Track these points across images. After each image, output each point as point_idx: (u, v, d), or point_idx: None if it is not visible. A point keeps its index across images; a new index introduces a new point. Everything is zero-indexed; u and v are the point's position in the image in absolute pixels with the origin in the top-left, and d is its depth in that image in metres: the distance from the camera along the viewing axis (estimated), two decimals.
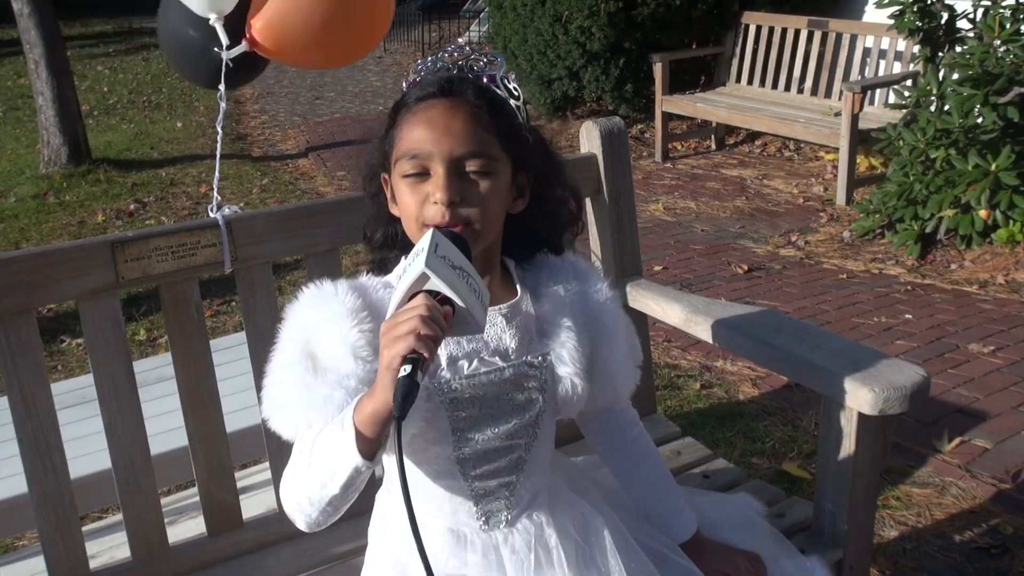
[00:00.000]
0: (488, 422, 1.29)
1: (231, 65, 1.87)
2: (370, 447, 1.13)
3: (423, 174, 1.24)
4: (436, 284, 1.08)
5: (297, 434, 1.24)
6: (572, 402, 1.33)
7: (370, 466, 1.14)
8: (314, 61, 2.05)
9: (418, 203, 1.24)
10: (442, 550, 1.33)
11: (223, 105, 1.85)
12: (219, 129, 1.84)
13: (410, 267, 1.10)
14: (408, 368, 1.04)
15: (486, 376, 1.28)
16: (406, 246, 1.28)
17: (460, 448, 1.29)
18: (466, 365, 1.27)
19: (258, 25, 1.87)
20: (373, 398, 1.11)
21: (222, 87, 1.86)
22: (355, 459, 1.12)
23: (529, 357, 1.30)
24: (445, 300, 1.09)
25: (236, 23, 1.90)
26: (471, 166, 1.24)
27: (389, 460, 1.35)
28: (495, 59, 1.33)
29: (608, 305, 1.39)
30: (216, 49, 1.87)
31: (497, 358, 1.29)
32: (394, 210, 1.33)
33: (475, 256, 1.23)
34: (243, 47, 1.89)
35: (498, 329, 1.30)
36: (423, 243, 1.11)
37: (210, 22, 1.86)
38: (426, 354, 1.05)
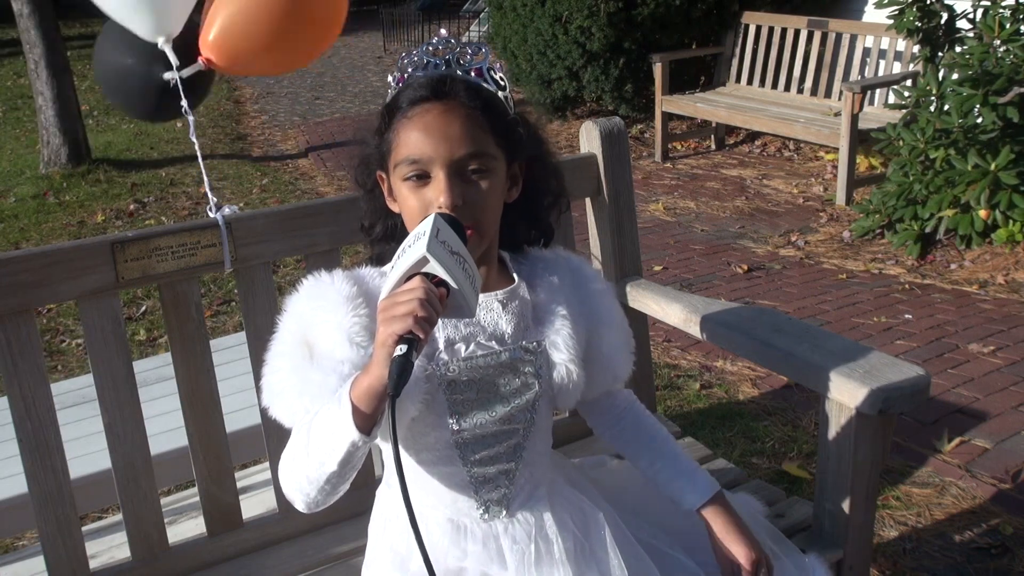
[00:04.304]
0: (485, 405, 1.31)
1: (179, 86, 1.90)
2: (366, 422, 1.15)
3: (423, 177, 1.26)
4: (435, 268, 1.10)
5: (295, 420, 1.26)
6: (568, 389, 1.35)
7: (366, 441, 1.16)
8: (267, 67, 2.06)
9: (421, 206, 1.26)
10: (442, 539, 1.34)
11: (192, 119, 1.89)
12: (194, 140, 1.88)
13: (410, 249, 1.12)
14: (404, 348, 1.07)
15: (483, 359, 1.30)
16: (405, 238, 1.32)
17: (459, 432, 1.31)
18: (463, 348, 1.30)
19: (211, 41, 1.88)
20: (369, 374, 1.13)
21: (184, 103, 1.89)
22: (352, 434, 1.14)
23: (525, 342, 1.33)
24: (440, 283, 1.11)
25: (182, 46, 1.93)
26: (470, 167, 1.26)
27: (388, 454, 1.36)
28: (480, 49, 1.34)
29: (602, 295, 1.43)
30: (168, 74, 1.90)
31: (494, 342, 1.31)
32: (392, 205, 1.35)
33: (475, 251, 1.25)
34: (198, 66, 1.90)
35: (495, 314, 1.32)
36: (424, 227, 1.13)
37: (159, 46, 1.89)
38: (421, 335, 1.08)
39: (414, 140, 1.25)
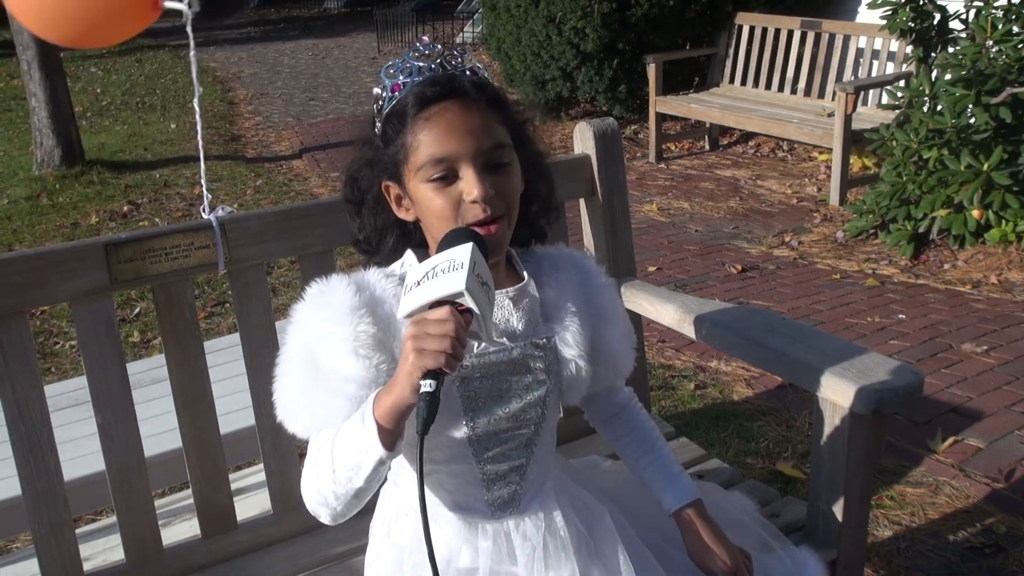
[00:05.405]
0: (498, 402, 1.32)
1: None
2: (390, 438, 1.16)
3: (450, 177, 1.25)
4: (467, 302, 1.09)
5: (311, 436, 1.27)
6: (577, 384, 1.37)
7: (392, 456, 1.17)
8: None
9: (450, 205, 1.24)
10: (454, 537, 1.35)
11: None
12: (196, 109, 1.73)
13: (444, 276, 1.10)
14: (432, 385, 1.07)
15: (495, 355, 1.30)
16: (422, 243, 1.34)
17: (473, 429, 1.31)
18: (475, 345, 1.30)
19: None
20: (392, 394, 1.14)
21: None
22: (379, 452, 1.16)
23: (535, 339, 1.34)
24: (465, 310, 1.10)
25: None
26: (495, 159, 1.26)
27: (399, 460, 1.37)
28: (465, 51, 1.34)
29: (607, 291, 1.44)
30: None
31: (505, 339, 1.32)
32: (402, 214, 1.33)
33: (506, 240, 1.29)
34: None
35: (505, 311, 1.32)
36: (462, 257, 1.11)
37: None
38: (450, 372, 1.09)
39: (437, 139, 1.24)
